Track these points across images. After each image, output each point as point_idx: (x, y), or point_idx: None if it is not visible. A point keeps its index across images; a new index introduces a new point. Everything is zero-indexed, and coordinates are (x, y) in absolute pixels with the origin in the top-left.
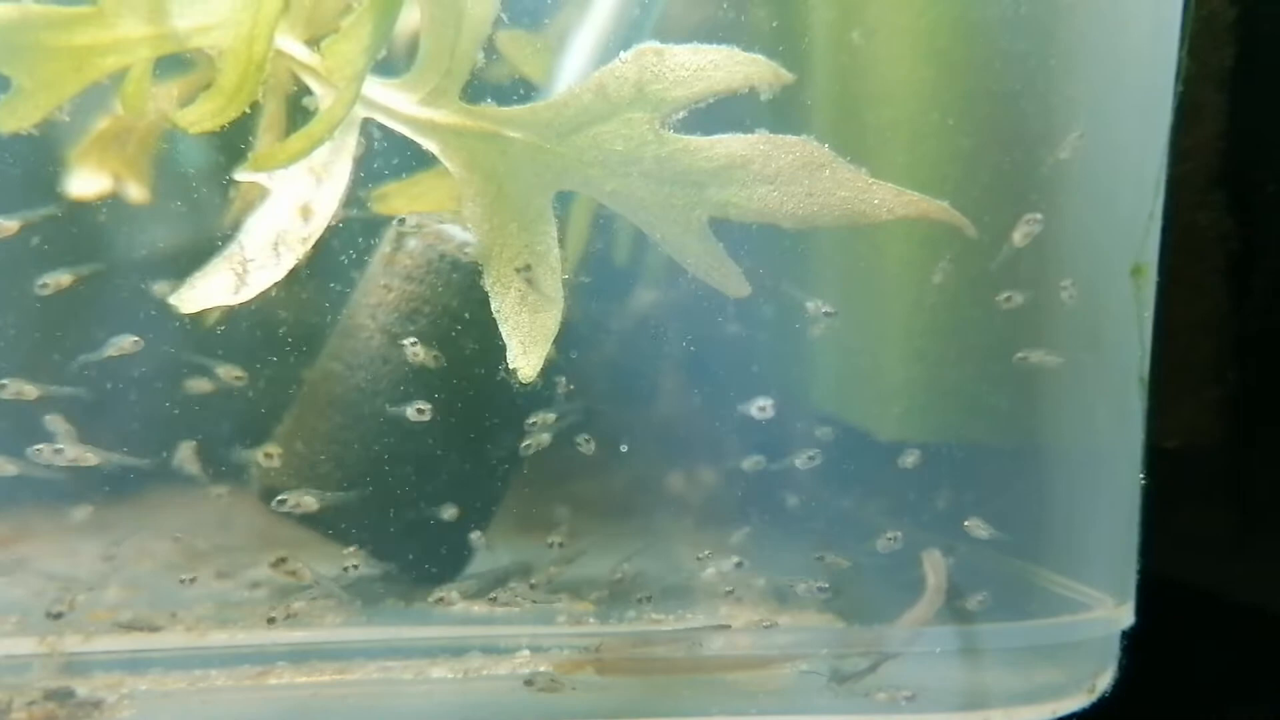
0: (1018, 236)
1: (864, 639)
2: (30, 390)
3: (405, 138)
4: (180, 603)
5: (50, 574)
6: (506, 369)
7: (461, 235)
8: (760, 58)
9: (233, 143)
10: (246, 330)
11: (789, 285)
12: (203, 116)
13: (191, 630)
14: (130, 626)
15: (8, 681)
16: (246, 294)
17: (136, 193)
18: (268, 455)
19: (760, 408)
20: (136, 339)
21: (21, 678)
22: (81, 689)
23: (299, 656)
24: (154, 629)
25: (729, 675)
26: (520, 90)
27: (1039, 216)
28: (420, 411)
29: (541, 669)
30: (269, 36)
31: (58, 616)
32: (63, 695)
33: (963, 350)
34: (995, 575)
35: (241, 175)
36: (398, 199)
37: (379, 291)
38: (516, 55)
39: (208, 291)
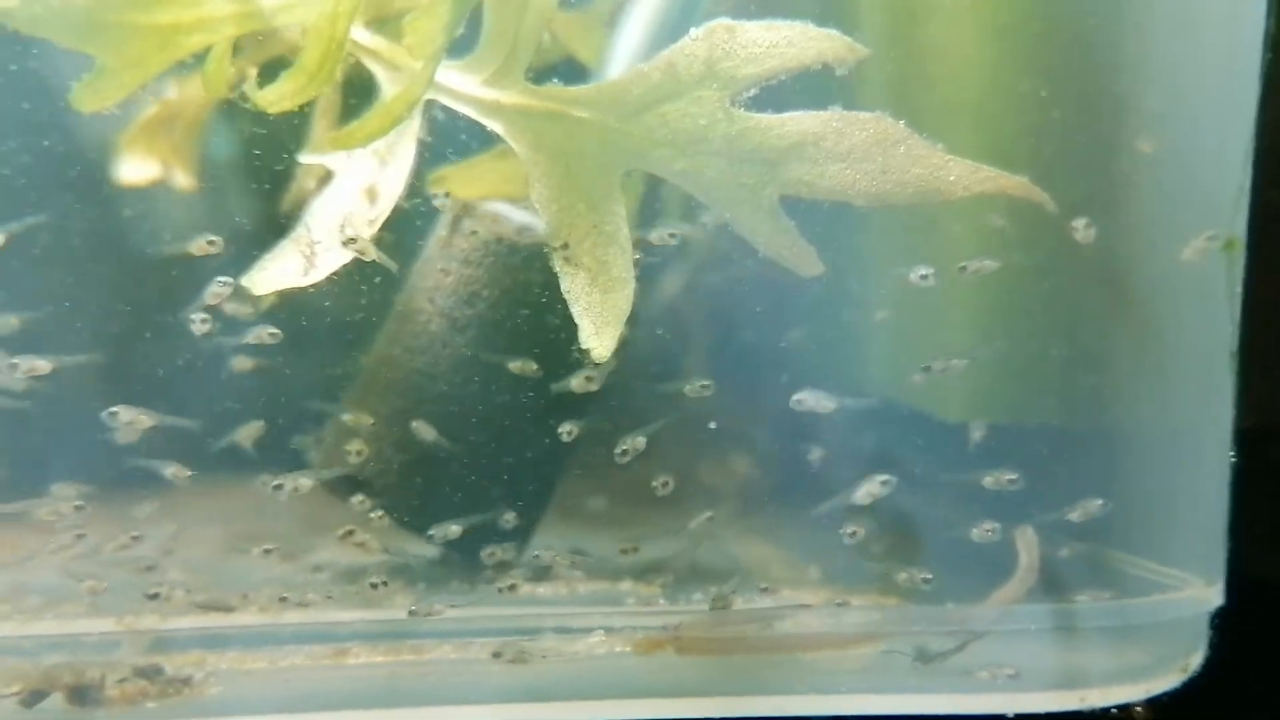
0: (1079, 234)
1: (952, 618)
2: (43, 366)
3: (464, 119)
4: (249, 585)
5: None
6: (578, 349)
7: (519, 218)
8: (835, 33)
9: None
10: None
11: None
12: (283, 96)
13: (264, 610)
14: (206, 607)
15: (95, 659)
16: (315, 276)
17: (183, 179)
18: (358, 452)
19: (812, 400)
20: (274, 330)
21: (107, 656)
22: (169, 666)
23: (373, 637)
24: (228, 609)
25: (809, 655)
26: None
27: (1086, 221)
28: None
29: (618, 649)
30: (351, 15)
31: (154, 597)
32: (152, 672)
33: (1033, 328)
34: (1081, 556)
35: (306, 157)
36: (455, 181)
37: (437, 275)
38: (569, 36)
39: (277, 274)
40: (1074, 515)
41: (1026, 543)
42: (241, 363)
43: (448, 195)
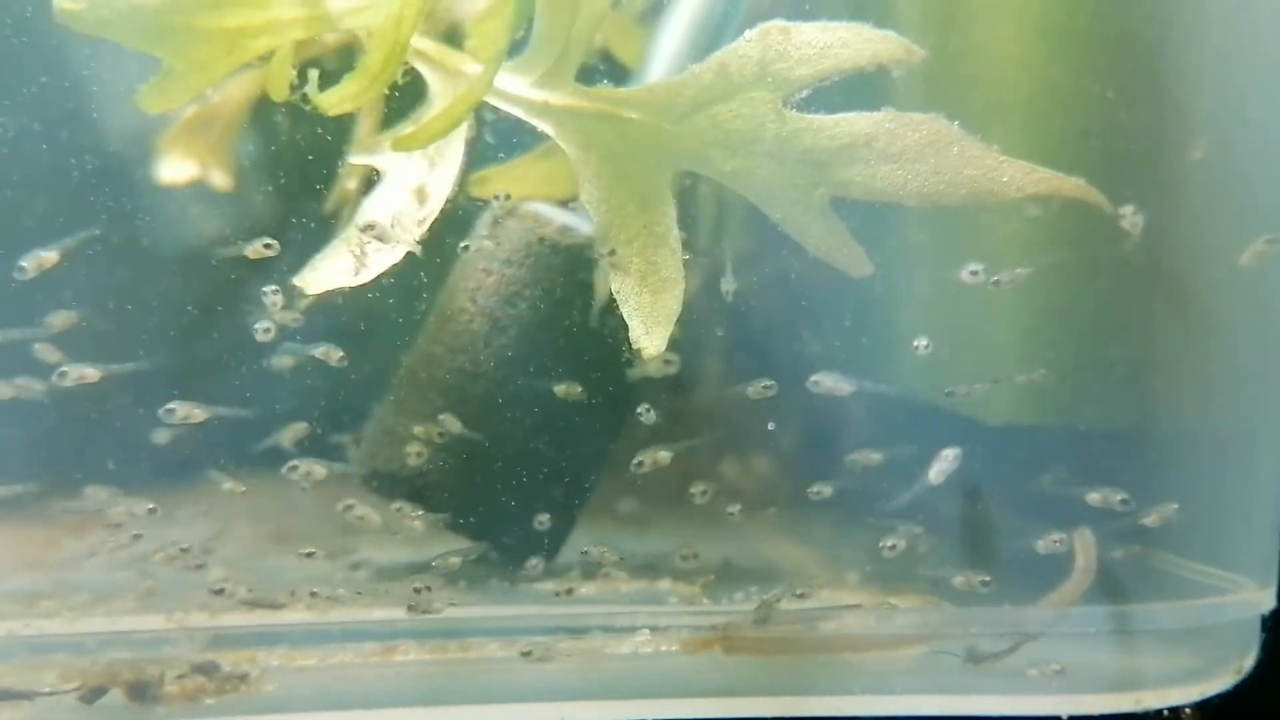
0: (1125, 221)
1: (1006, 619)
2: (91, 374)
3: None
4: (293, 582)
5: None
6: (624, 350)
7: (561, 218)
8: (892, 34)
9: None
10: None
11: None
12: (344, 98)
13: (311, 608)
14: (253, 604)
15: (147, 655)
16: (366, 276)
17: (220, 179)
18: (418, 454)
19: (830, 382)
20: (342, 355)
21: (159, 652)
22: (225, 663)
23: (420, 635)
24: (275, 606)
25: (859, 655)
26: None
27: (1134, 208)
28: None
29: (664, 649)
30: (415, 19)
31: (219, 593)
32: (209, 669)
33: (1084, 332)
34: (1135, 559)
35: (356, 158)
36: (497, 183)
37: (478, 275)
38: (611, 38)
39: (329, 273)
40: (1149, 520)
41: (1084, 544)
42: (281, 361)
43: (508, 197)
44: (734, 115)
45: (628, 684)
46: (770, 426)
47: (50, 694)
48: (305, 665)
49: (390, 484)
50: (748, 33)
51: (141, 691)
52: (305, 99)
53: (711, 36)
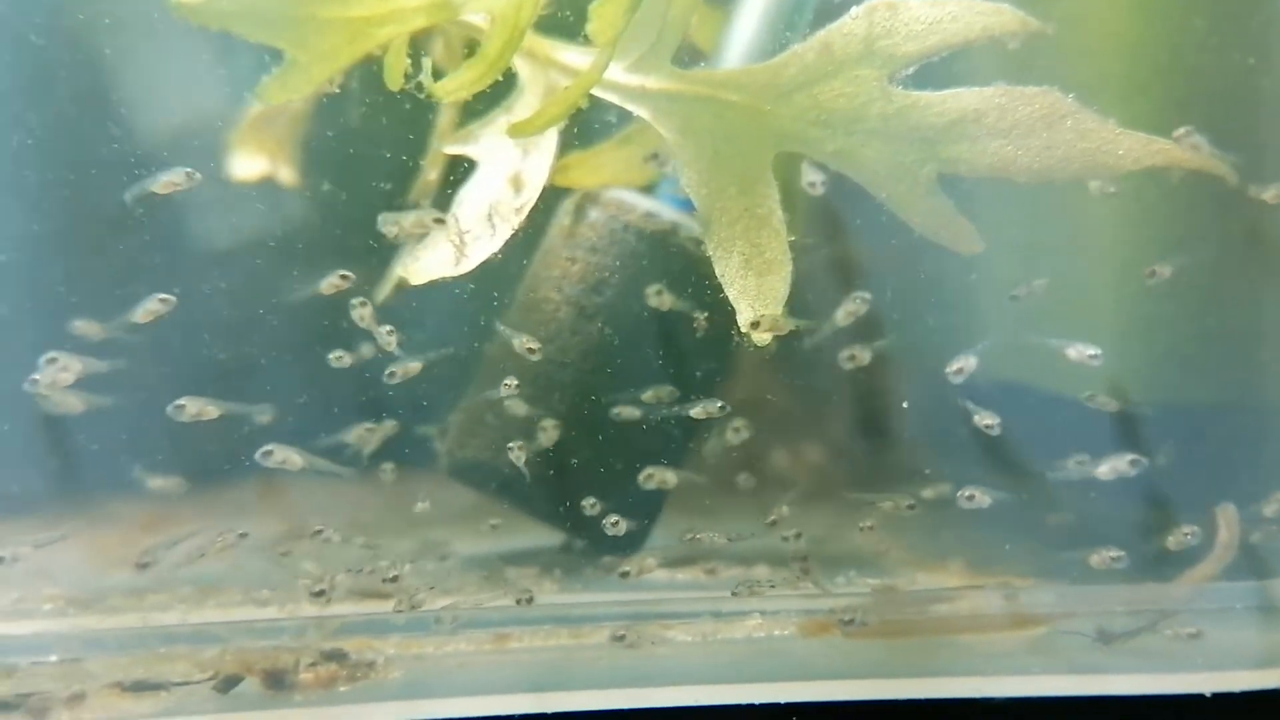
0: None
1: (1141, 596)
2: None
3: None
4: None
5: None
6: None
7: (644, 204)
8: (1005, 6)
9: None
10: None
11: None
12: (462, 85)
13: (419, 597)
14: (361, 593)
15: (277, 643)
16: (466, 266)
17: (287, 174)
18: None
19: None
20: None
21: (278, 640)
22: (351, 651)
23: (528, 622)
24: (382, 595)
25: (983, 636)
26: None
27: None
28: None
29: (778, 632)
30: (536, 3)
31: (319, 595)
32: (338, 656)
33: (1179, 309)
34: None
35: (448, 148)
36: (579, 170)
37: (563, 264)
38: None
39: (432, 264)
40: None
41: (1228, 519)
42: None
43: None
44: (837, 94)
45: (748, 668)
46: (879, 405)
47: (184, 684)
48: (424, 654)
49: (479, 475)
50: (854, 10)
51: (278, 679)
52: (419, 87)
53: (788, 17)
